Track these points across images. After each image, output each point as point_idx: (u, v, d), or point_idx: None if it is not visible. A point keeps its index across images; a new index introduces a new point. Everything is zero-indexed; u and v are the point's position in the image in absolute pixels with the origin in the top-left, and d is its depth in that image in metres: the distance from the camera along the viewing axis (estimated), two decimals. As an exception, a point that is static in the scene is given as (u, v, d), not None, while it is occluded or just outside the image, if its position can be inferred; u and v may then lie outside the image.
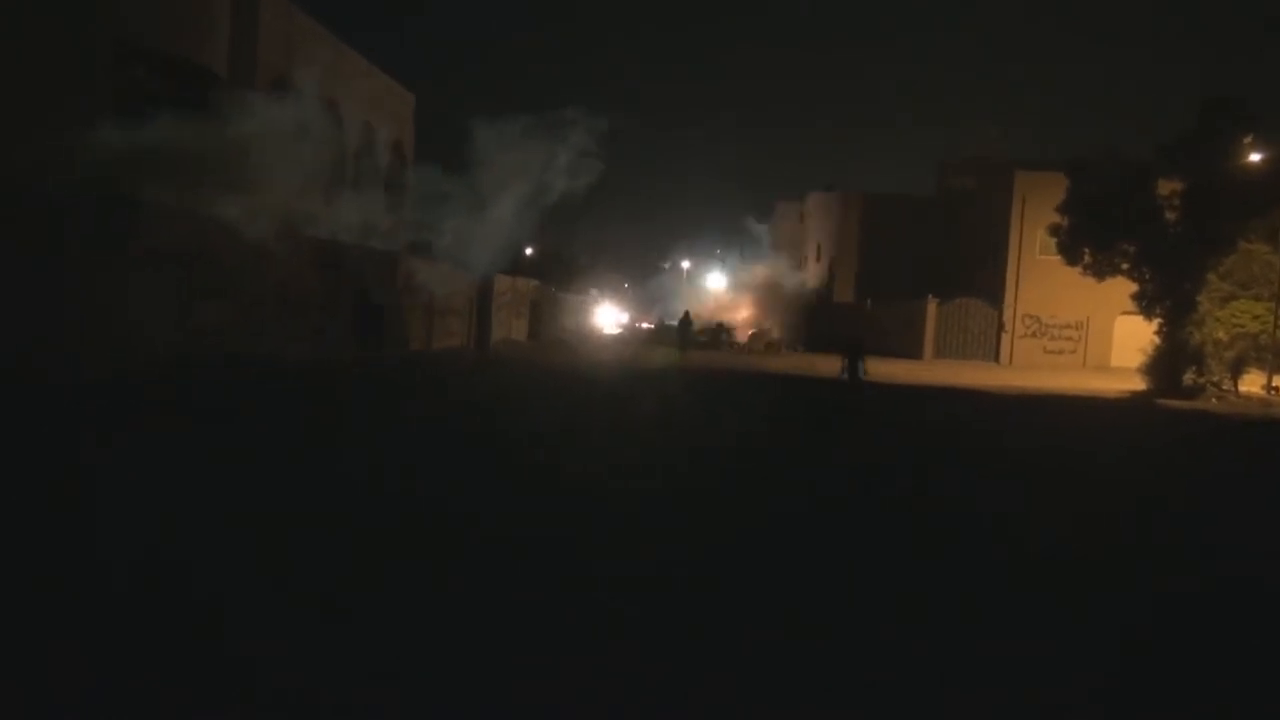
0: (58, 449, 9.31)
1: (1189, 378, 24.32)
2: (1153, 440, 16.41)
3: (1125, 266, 25.56)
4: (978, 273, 41.81)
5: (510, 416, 14.98)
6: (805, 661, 4.85)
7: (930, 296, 40.34)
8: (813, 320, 47.56)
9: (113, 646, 4.51)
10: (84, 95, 16.00)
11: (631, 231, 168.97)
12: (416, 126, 33.10)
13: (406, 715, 4.04)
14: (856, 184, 52.43)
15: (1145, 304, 25.64)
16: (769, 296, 49.59)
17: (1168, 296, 24.94)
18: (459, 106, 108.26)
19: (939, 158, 56.62)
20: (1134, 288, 25.89)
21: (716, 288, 60.73)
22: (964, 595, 6.16)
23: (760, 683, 4.55)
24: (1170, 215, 24.68)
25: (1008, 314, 39.81)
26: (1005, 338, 39.89)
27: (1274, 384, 25.63)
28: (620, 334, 55.63)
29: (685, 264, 74.20)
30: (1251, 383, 25.71)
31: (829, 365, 27.32)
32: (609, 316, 62.22)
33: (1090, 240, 25.62)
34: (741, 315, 48.17)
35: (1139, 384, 25.62)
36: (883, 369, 19.87)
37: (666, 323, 50.55)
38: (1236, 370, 24.98)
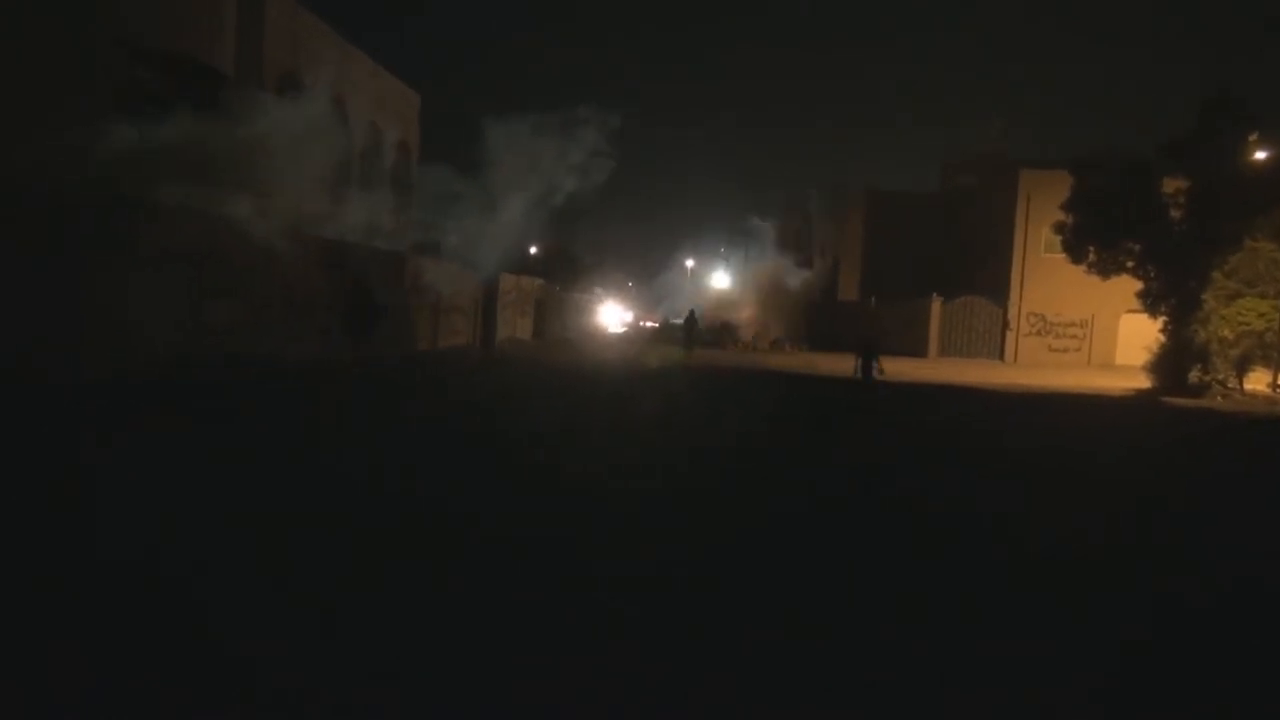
0: (57, 449, 9.33)
1: (1194, 376, 24.26)
2: (1155, 439, 16.37)
3: (1130, 264, 25.50)
4: (981, 271, 41.74)
5: (513, 416, 14.99)
6: (805, 661, 4.85)
7: (935, 295, 40.29)
8: (817, 319, 47.56)
9: (113, 646, 4.53)
10: (85, 95, 16.02)
11: (635, 231, 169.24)
12: (420, 126, 33.17)
13: (406, 715, 4.04)
14: (859, 183, 52.13)
15: (1150, 302, 25.59)
16: (773, 295, 49.52)
17: (1173, 294, 24.89)
18: (459, 106, 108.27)
19: (941, 156, 56.67)
20: (1139, 286, 25.83)
21: (720, 286, 60.74)
22: (964, 595, 6.15)
23: (760, 683, 4.55)
24: (1175, 213, 24.63)
25: (1012, 312, 39.75)
26: (1010, 336, 39.84)
27: (1279, 381, 25.57)
28: (625, 333, 55.65)
29: (689, 263, 74.30)
30: (1257, 381, 25.64)
31: (832, 363, 27.35)
32: (613, 315, 62.22)
33: (1095, 238, 25.57)
34: (745, 314, 48.11)
35: (1144, 382, 25.57)
36: (889, 367, 19.89)
37: (671, 321, 50.58)
38: (1242, 368, 24.90)
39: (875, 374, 18.93)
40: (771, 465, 11.37)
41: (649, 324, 61.59)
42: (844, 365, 21.34)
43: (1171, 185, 24.91)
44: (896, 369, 20.23)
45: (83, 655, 4.41)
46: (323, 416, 13.22)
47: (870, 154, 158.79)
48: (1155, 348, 25.65)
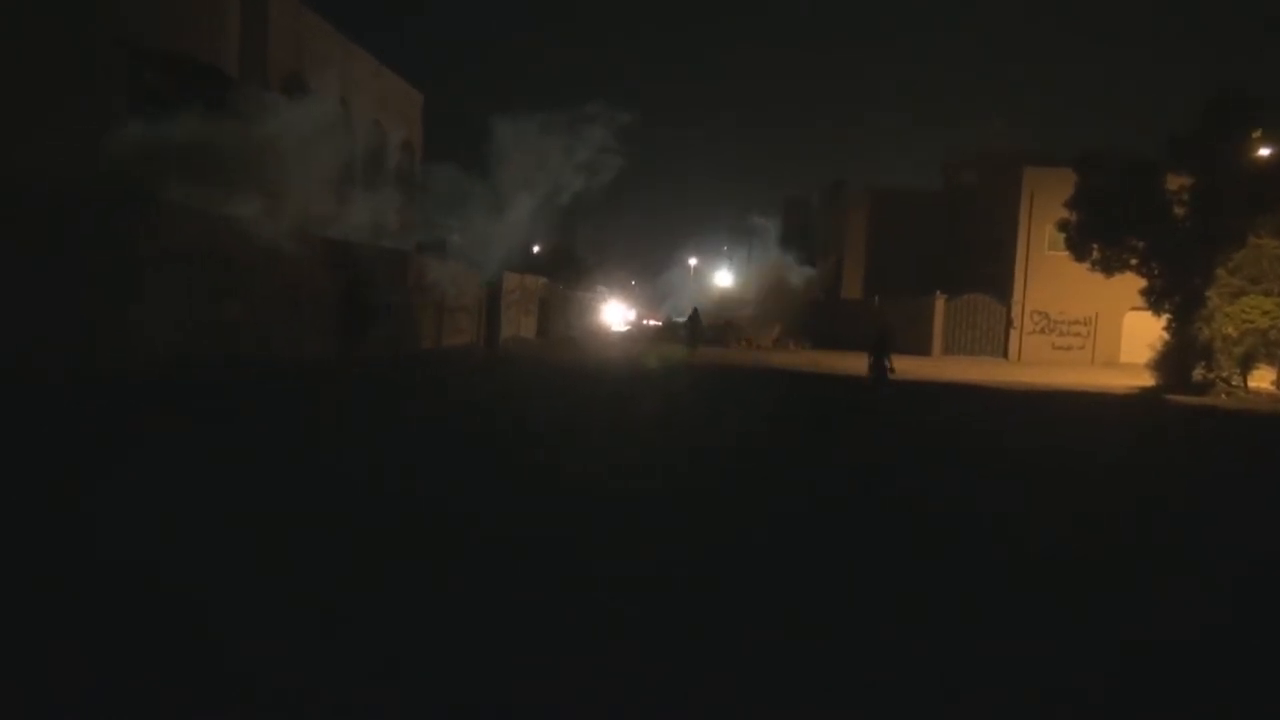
0: (58, 449, 9.35)
1: (1198, 373, 24.24)
2: (1157, 438, 16.34)
3: (1134, 262, 25.48)
4: (985, 269, 41.70)
5: (515, 415, 14.99)
6: (805, 661, 4.85)
7: (938, 292, 40.26)
8: (820, 317, 47.54)
9: (113, 646, 4.53)
10: (85, 95, 16.05)
11: (638, 229, 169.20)
12: (423, 126, 33.22)
13: (406, 715, 4.05)
14: (860, 183, 52.20)
15: (1154, 300, 25.56)
16: (776, 293, 49.51)
17: (1177, 292, 24.86)
18: (460, 106, 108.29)
19: (943, 155, 56.56)
20: (1143, 283, 25.81)
21: (723, 284, 60.70)
22: (964, 595, 6.15)
23: (760, 683, 4.55)
24: (1179, 211, 24.60)
25: (1016, 310, 39.71)
26: (1014, 334, 39.81)
27: (1284, 380, 25.54)
28: (628, 331, 55.65)
29: (692, 261, 74.28)
30: (1261, 378, 25.59)
31: (834, 361, 27.37)
32: (617, 314, 62.24)
33: (1099, 236, 25.55)
34: (748, 312, 48.11)
35: (1148, 380, 25.54)
36: (895, 365, 19.81)
37: (674, 320, 50.57)
38: (1246, 366, 24.86)
39: (888, 374, 18.73)
40: (772, 465, 11.36)
41: (652, 322, 61.57)
42: (849, 364, 21.30)
43: (1175, 182, 24.87)
44: (900, 367, 20.20)
45: (83, 655, 4.42)
46: (323, 416, 13.23)
47: (870, 154, 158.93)
48: (1159, 345, 25.61)
